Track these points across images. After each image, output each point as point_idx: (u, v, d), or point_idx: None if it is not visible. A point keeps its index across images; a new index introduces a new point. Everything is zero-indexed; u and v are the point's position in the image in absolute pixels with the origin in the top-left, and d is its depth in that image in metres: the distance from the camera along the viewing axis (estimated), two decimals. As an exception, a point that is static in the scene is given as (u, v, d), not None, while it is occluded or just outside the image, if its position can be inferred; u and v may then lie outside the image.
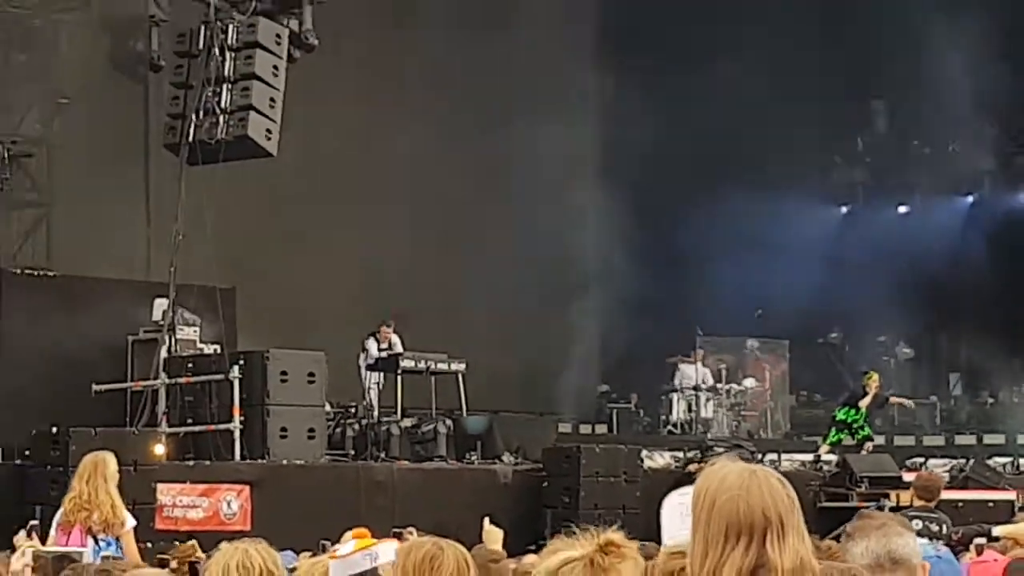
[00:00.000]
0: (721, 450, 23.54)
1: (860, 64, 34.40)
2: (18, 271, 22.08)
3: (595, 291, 32.48)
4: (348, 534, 10.18)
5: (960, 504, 19.95)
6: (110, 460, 13.05)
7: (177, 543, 13.43)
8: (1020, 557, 9.92)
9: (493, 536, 9.76)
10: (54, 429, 19.45)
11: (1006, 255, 33.54)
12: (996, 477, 24.53)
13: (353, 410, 24.44)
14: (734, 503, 4.64)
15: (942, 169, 36.68)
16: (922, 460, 25.76)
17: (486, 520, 9.95)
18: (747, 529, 4.61)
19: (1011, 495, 22.53)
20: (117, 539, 12.32)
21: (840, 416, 26.51)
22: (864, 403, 26.26)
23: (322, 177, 28.72)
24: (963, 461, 26.43)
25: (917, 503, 16.32)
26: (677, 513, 15.31)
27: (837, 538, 11.87)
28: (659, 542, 8.98)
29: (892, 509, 19.12)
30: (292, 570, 8.47)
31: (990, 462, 27.02)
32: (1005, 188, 36.68)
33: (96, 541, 12.08)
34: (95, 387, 21.51)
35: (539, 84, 32.95)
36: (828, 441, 26.13)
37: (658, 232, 32.48)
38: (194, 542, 11.59)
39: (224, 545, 6.86)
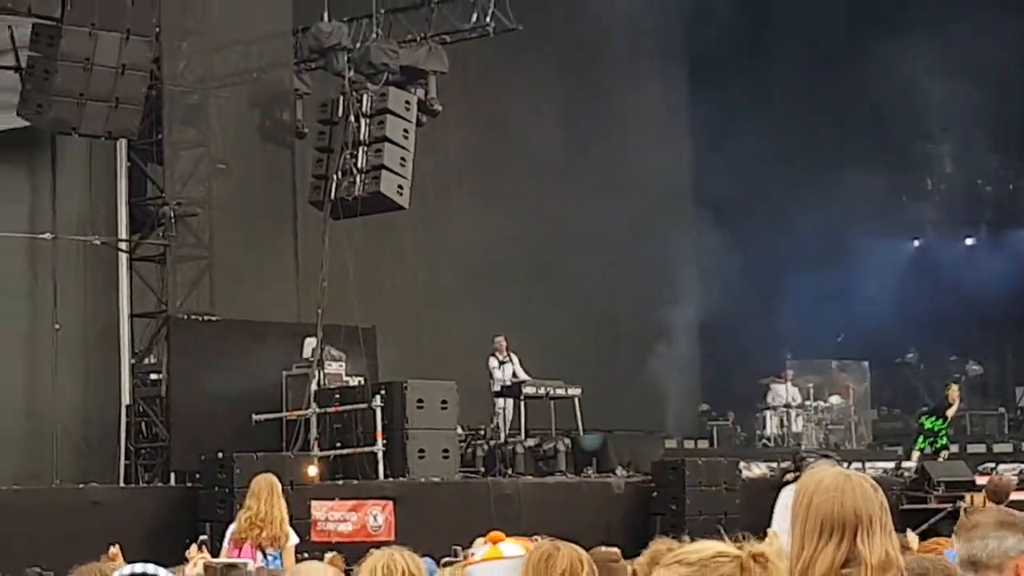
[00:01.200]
0: (812, 460, 23.53)
1: (925, 109, 33.23)
2: (185, 317, 22.35)
3: (692, 319, 32.59)
4: (479, 540, 10.76)
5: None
6: (275, 483, 13.07)
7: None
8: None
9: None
10: (220, 455, 19.40)
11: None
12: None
13: (482, 432, 24.65)
14: (829, 503, 4.71)
15: (1003, 204, 36.56)
16: (993, 465, 25.45)
17: None
18: (840, 526, 4.68)
19: None
20: (278, 553, 12.36)
21: (928, 425, 26.39)
22: (951, 412, 26.37)
23: (446, 225, 28.93)
24: (1033, 465, 26.18)
25: (989, 504, 16.14)
26: (782, 510, 15.83)
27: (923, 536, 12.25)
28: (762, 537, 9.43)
29: (967, 509, 19.63)
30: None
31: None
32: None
33: (264, 555, 12.22)
34: (255, 417, 21.83)
35: (635, 117, 32.70)
36: (918, 447, 25.87)
37: (747, 263, 31.77)
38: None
39: (373, 551, 6.99)
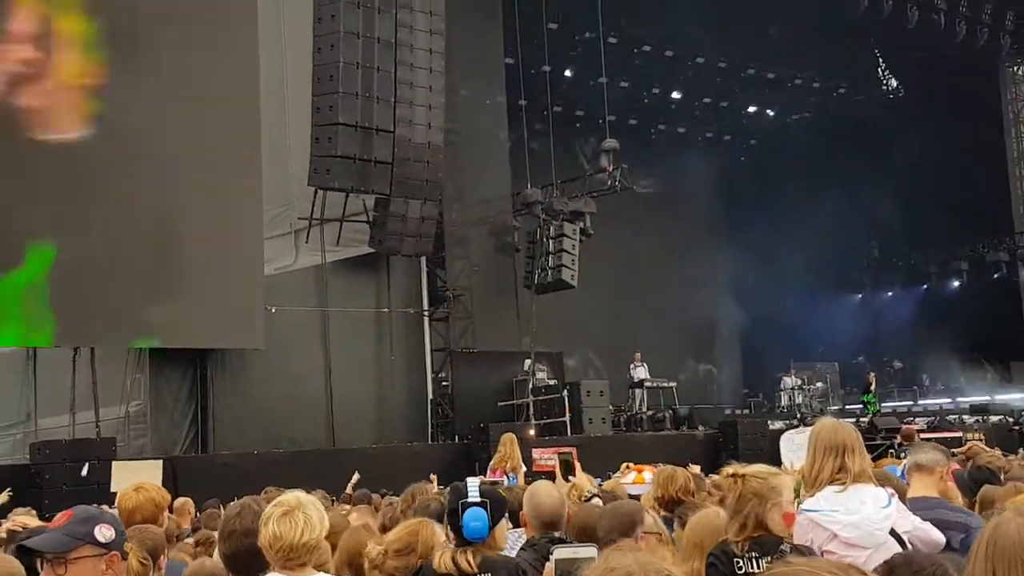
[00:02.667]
0: (809, 419, 23.59)
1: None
2: (460, 350, 22.18)
3: (735, 337, 32.23)
4: (623, 467, 10.81)
5: (931, 440, 19.49)
6: (514, 436, 12.89)
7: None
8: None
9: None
10: (482, 425, 19.61)
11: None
12: (956, 427, 23.18)
13: (623, 408, 24.46)
14: (829, 435, 4.67)
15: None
16: (911, 419, 25.07)
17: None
18: (834, 449, 4.63)
19: (959, 434, 21.05)
20: (515, 476, 11.84)
21: (865, 399, 26.28)
22: (872, 389, 26.14)
23: (598, 296, 28.29)
24: (933, 418, 25.96)
25: (905, 443, 16.15)
26: (787, 444, 15.71)
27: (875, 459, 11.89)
28: (779, 464, 9.38)
29: (897, 445, 19.08)
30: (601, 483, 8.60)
31: (950, 417, 26.29)
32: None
33: (507, 477, 11.67)
34: (500, 403, 21.73)
35: (690, 237, 32.66)
36: (870, 411, 25.30)
37: (768, 305, 32.27)
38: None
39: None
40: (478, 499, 4.29)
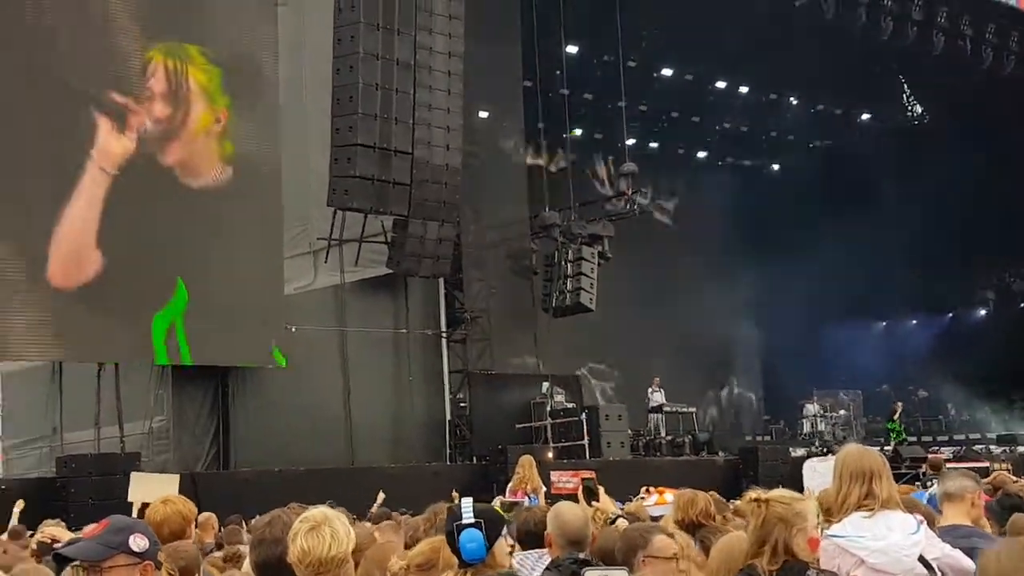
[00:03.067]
0: (833, 447, 23.14)
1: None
2: (477, 371, 22.33)
3: (757, 366, 32.03)
4: (643, 491, 10.76)
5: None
6: (532, 459, 13.11)
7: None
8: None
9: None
10: (500, 446, 19.72)
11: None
12: (982, 457, 23.01)
13: (642, 432, 24.41)
14: (856, 461, 4.67)
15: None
16: (936, 448, 25.08)
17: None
18: (861, 475, 4.62)
19: (985, 464, 20.86)
20: (536, 497, 11.90)
21: (890, 427, 26.06)
22: (896, 417, 26.00)
23: (616, 319, 28.52)
24: (959, 448, 25.83)
25: (931, 471, 16.05)
26: (809, 471, 15.70)
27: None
28: (801, 490, 9.29)
29: (923, 474, 18.67)
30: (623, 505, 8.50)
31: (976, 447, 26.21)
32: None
33: (528, 497, 11.84)
34: (517, 426, 21.91)
35: (710, 262, 32.67)
36: (893, 439, 25.19)
37: (789, 335, 32.10)
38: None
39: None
40: (472, 520, 4.20)
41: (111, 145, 16.24)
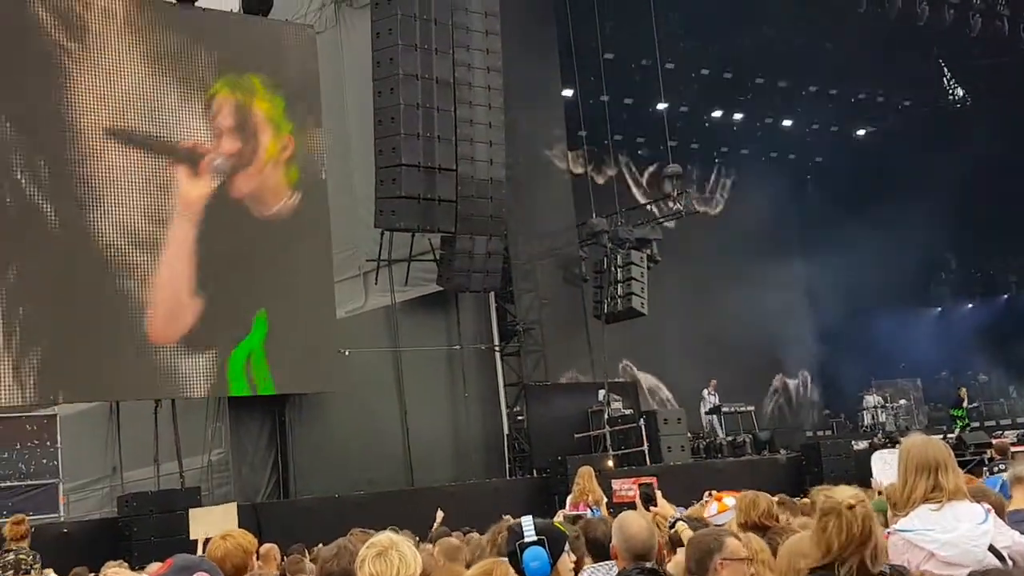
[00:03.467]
0: (898, 438, 22.85)
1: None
2: (533, 384, 22.05)
3: (815, 361, 31.62)
4: (706, 496, 10.60)
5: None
6: (591, 469, 12.48)
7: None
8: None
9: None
10: (559, 457, 19.43)
11: None
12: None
13: (701, 435, 24.28)
14: (921, 452, 4.61)
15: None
16: (1000, 432, 24.61)
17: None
18: (926, 467, 4.57)
19: None
20: (599, 509, 11.47)
21: (955, 414, 25.83)
22: (964, 404, 25.67)
23: (666, 321, 28.22)
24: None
25: (998, 456, 15.98)
26: (878, 462, 15.30)
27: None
28: (868, 484, 9.14)
29: (988, 459, 18.59)
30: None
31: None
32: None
33: (591, 509, 11.45)
34: (576, 436, 21.53)
35: (759, 258, 32.29)
36: (959, 426, 24.91)
37: (844, 327, 31.60)
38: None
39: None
40: (535, 538, 4.24)
41: (190, 193, 16.59)
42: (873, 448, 22.37)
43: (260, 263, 17.30)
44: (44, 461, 16.58)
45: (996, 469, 13.24)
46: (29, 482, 16.33)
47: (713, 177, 33.84)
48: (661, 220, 24.84)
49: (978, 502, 4.66)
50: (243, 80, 17.40)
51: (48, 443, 16.58)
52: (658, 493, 7.55)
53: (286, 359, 17.35)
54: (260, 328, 17.09)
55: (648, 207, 25.63)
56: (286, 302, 17.44)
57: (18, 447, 16.36)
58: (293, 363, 17.51)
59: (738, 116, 33.03)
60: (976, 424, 27.16)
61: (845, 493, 4.14)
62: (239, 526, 9.52)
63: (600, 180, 25.16)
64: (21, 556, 9.75)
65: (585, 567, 5.22)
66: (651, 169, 30.02)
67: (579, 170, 24.91)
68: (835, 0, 24.12)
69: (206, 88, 17.08)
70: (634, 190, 27.97)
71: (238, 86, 17.30)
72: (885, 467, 18.25)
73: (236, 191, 17.18)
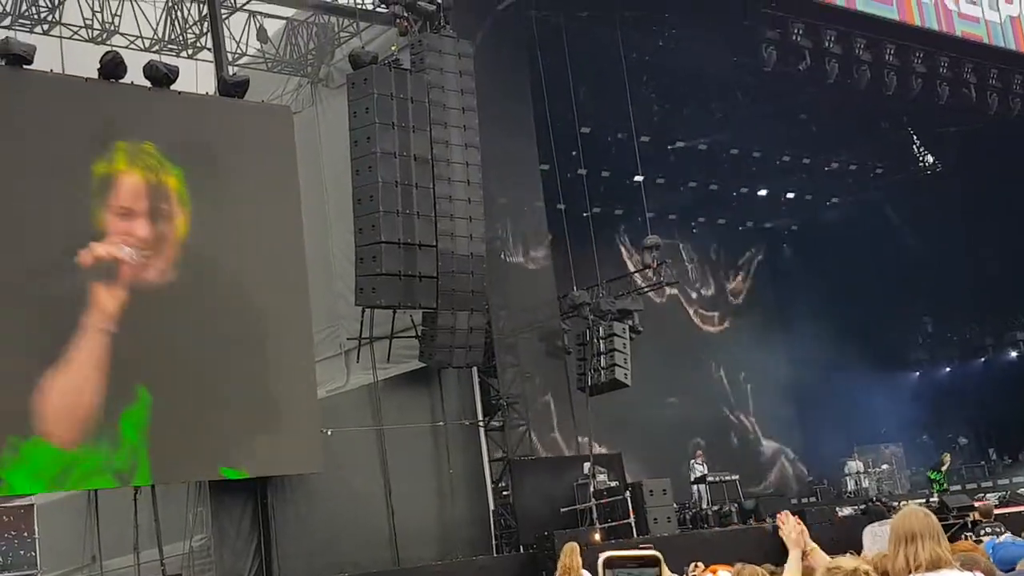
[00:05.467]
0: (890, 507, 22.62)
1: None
2: (519, 458, 21.64)
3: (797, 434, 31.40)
4: (699, 567, 10.18)
5: (1007, 516, 18.86)
6: (576, 547, 11.93)
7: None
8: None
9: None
10: (546, 533, 19.11)
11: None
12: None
13: (687, 505, 23.93)
14: (899, 522, 4.69)
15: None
16: (982, 495, 24.38)
17: None
18: (904, 538, 4.61)
19: None
20: None
21: (932, 476, 25.65)
22: (944, 468, 25.48)
23: (650, 395, 27.98)
24: (1005, 494, 25.21)
25: (983, 520, 15.84)
26: (870, 536, 14.92)
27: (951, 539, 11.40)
28: (858, 554, 8.80)
29: (972, 523, 18.55)
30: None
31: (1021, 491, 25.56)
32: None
33: None
34: (562, 509, 21.08)
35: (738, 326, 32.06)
36: (936, 490, 24.73)
37: (823, 393, 31.35)
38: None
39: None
40: None
41: (108, 305, 15.09)
42: (858, 511, 22.23)
43: (213, 348, 16.35)
44: (22, 552, 16.16)
45: (983, 532, 12.96)
46: (7, 574, 15.97)
47: (691, 246, 33.70)
48: (642, 290, 24.54)
49: (968, 569, 4.65)
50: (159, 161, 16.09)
51: (25, 533, 16.14)
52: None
53: (253, 443, 16.61)
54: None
55: (628, 279, 25.38)
56: (245, 385, 16.61)
57: (-5, 538, 15.84)
58: (261, 448, 16.76)
59: (714, 187, 33.05)
60: (957, 487, 26.91)
61: (847, 564, 4.21)
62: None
63: (579, 252, 24.80)
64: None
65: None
66: (630, 241, 29.91)
67: (558, 243, 24.64)
68: (806, 73, 24.10)
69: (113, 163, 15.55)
70: (613, 262, 27.78)
71: (150, 164, 15.95)
72: (876, 540, 17.96)
73: (165, 277, 15.82)
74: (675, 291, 31.26)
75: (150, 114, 16.15)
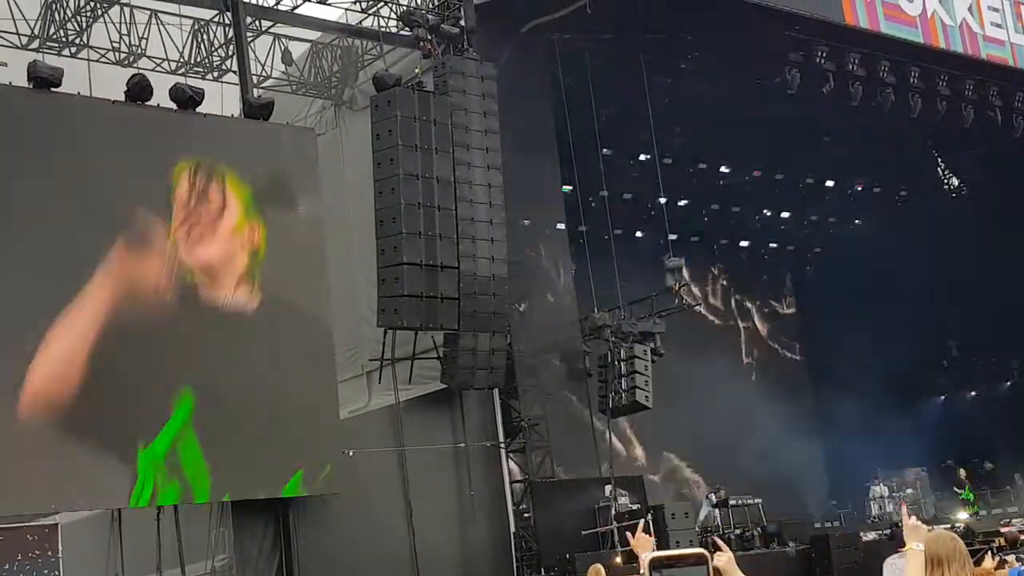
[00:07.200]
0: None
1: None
2: (540, 480, 21.51)
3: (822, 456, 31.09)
4: None
5: (1033, 542, 18.53)
6: (601, 568, 11.28)
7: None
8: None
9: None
10: (568, 555, 19.01)
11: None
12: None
13: (710, 528, 23.36)
14: (928, 548, 4.80)
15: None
16: (1007, 520, 24.00)
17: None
18: (930, 563, 4.76)
19: None
20: None
21: (964, 496, 25.55)
22: (966, 484, 25.44)
23: (669, 416, 27.68)
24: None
25: (1008, 548, 15.54)
26: (890, 569, 14.70)
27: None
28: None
29: (998, 549, 18.51)
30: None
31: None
32: None
33: None
34: (583, 532, 20.97)
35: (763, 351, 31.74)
36: (970, 510, 24.75)
37: (848, 416, 31.13)
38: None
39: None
40: None
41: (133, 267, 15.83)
42: (893, 539, 21.95)
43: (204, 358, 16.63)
44: (46, 572, 16.16)
45: (1014, 557, 12.99)
46: (31, 595, 15.85)
47: (714, 269, 33.56)
48: (664, 313, 24.43)
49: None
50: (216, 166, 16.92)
51: (49, 553, 16.13)
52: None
53: (273, 464, 16.76)
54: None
55: (651, 300, 25.22)
56: (266, 405, 16.80)
57: (19, 558, 15.94)
58: (280, 468, 16.89)
59: (736, 209, 32.93)
60: (984, 512, 26.49)
61: None
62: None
63: (601, 274, 24.76)
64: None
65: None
66: (652, 263, 29.80)
67: (580, 265, 24.62)
68: (830, 95, 24.02)
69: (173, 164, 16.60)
70: (635, 284, 27.62)
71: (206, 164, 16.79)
72: (894, 571, 17.76)
73: (194, 259, 16.47)
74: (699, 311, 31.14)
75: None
